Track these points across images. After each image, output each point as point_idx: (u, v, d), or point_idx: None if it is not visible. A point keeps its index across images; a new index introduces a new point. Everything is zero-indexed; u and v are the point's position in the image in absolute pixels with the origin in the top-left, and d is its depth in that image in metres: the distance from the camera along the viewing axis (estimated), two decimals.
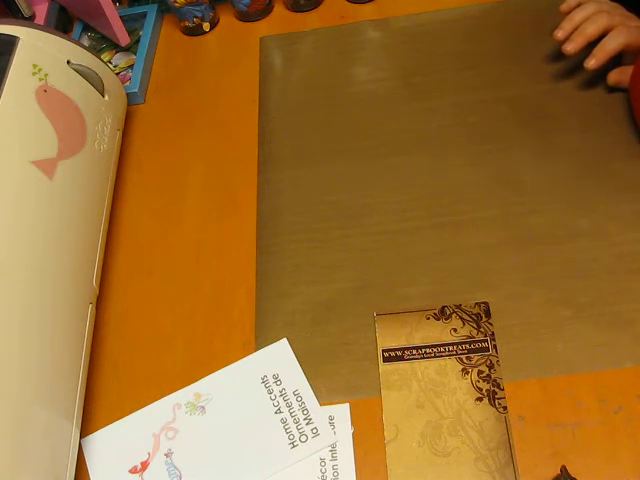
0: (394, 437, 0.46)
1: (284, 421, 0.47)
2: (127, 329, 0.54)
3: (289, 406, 0.48)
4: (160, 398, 0.50)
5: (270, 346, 0.51)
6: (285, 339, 0.51)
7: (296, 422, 0.47)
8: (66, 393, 0.45)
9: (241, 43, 0.75)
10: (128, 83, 0.71)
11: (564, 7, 0.60)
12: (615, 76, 0.59)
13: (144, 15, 0.78)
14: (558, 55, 0.64)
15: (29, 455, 0.40)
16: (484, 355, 0.48)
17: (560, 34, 0.58)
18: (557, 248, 0.52)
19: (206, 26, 0.76)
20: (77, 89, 0.57)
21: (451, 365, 0.48)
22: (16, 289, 0.42)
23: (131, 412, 0.50)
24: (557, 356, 0.47)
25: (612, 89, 0.60)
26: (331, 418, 0.47)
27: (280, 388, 0.49)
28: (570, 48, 0.57)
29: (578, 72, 0.63)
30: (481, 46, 0.67)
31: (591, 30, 0.56)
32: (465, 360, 0.48)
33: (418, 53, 0.68)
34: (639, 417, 0.44)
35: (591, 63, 0.56)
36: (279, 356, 0.50)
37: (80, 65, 0.58)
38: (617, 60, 0.60)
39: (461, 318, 0.50)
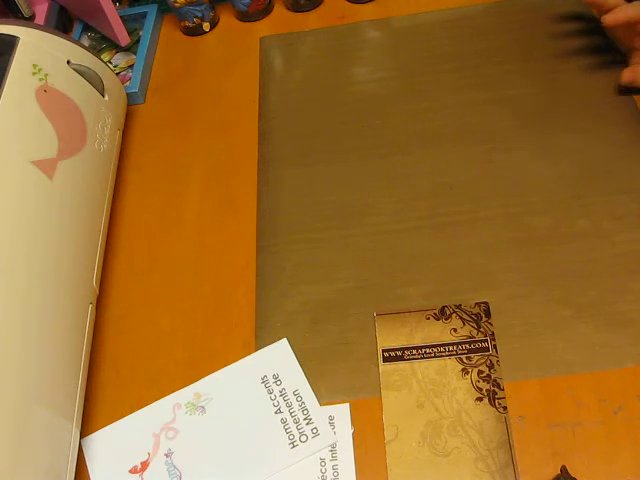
0: (394, 437, 0.46)
1: (284, 421, 0.47)
2: (127, 329, 0.54)
3: (289, 406, 0.48)
4: (160, 398, 0.50)
5: (270, 346, 0.51)
6: (285, 339, 0.51)
7: (296, 422, 0.47)
8: (66, 393, 0.45)
9: (241, 43, 0.75)
10: (128, 83, 0.71)
11: None
12: (628, 74, 0.59)
13: (144, 15, 0.78)
14: (558, 55, 0.65)
15: (29, 455, 0.40)
16: (484, 355, 0.48)
17: None
18: (557, 248, 0.52)
19: (206, 26, 0.76)
20: (77, 89, 0.57)
21: (451, 365, 0.48)
22: (16, 289, 0.42)
23: (131, 412, 0.50)
24: (557, 356, 0.47)
25: (610, 89, 0.61)
26: (331, 418, 0.47)
27: (280, 388, 0.49)
28: (609, 20, 0.56)
29: (578, 72, 0.63)
30: (481, 46, 0.67)
31: (633, 12, 0.56)
32: (465, 360, 0.48)
33: (418, 53, 0.68)
34: (639, 417, 0.44)
35: (609, 18, 0.56)
36: (279, 356, 0.50)
37: (80, 65, 0.58)
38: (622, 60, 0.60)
39: (461, 318, 0.50)
